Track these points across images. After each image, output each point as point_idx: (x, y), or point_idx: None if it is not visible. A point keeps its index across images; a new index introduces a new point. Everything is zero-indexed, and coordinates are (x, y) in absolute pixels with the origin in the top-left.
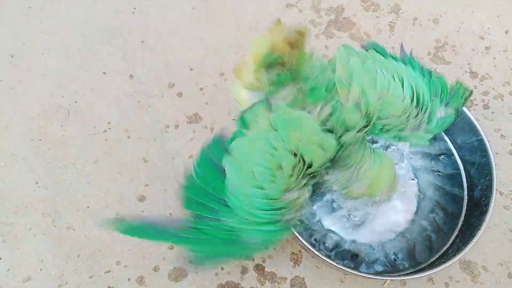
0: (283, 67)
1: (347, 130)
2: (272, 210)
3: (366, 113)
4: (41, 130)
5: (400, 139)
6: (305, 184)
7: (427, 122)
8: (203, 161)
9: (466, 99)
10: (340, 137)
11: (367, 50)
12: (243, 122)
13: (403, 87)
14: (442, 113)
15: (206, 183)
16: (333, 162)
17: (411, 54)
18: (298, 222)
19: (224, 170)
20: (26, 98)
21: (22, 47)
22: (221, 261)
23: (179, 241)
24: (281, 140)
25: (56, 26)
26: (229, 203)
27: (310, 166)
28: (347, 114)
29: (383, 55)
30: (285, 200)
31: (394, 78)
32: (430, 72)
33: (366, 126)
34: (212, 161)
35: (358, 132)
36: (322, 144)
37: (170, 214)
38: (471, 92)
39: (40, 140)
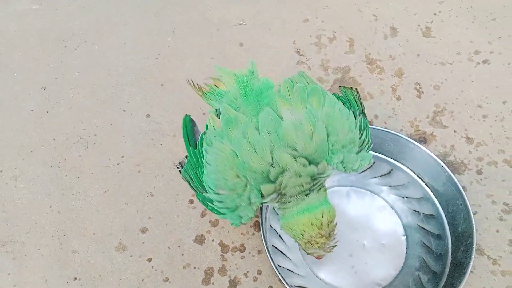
0: None
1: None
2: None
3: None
4: (61, 158)
5: (348, 163)
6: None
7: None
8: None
9: (358, 98)
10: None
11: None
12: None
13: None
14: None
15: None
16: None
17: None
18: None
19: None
20: (51, 127)
21: (55, 81)
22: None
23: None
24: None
25: (87, 65)
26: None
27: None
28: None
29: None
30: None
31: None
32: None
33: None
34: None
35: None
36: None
37: (169, 247)
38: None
39: (59, 167)
